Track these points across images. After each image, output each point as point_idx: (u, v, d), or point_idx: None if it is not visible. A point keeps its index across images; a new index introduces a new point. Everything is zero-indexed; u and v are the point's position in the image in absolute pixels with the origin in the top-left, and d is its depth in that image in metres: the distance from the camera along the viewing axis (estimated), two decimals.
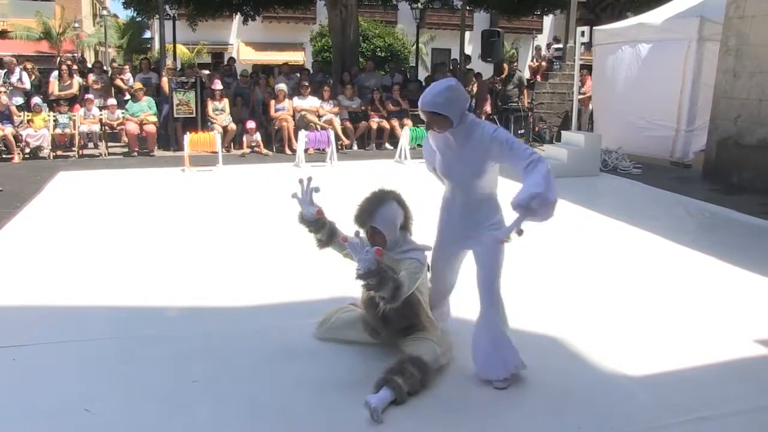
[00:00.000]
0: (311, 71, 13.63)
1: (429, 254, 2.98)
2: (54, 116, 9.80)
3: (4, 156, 9.42)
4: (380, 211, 2.84)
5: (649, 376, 2.96)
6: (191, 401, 2.72)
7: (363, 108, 11.37)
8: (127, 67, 12.63)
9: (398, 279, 2.63)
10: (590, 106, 12.08)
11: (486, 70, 14.22)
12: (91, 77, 11.21)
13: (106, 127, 10.31)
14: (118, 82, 11.65)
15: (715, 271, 4.53)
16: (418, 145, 10.12)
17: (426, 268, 2.96)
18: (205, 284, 4.14)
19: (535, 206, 2.51)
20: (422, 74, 17.74)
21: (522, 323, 3.50)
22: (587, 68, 11.96)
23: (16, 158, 9.28)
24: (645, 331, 3.44)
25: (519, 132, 11.81)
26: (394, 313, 2.81)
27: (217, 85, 10.60)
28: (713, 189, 7.50)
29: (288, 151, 10.35)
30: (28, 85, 10.59)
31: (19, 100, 10.12)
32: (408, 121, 10.85)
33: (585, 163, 8.44)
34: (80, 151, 9.88)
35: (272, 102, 10.74)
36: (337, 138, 10.25)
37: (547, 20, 28.43)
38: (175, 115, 10.36)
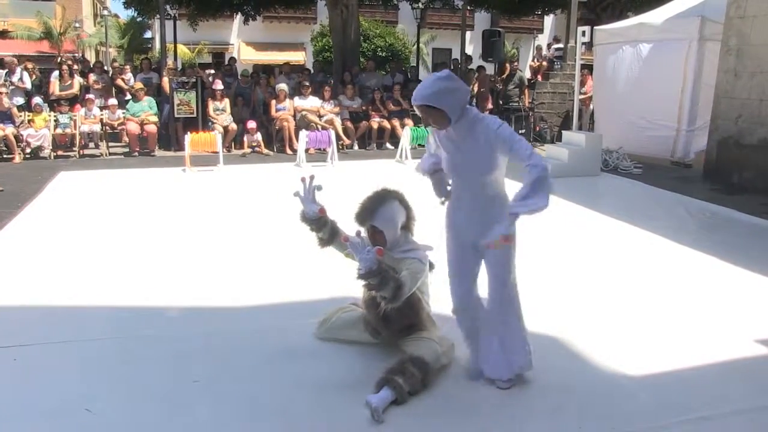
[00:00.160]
0: (312, 71, 13.63)
1: (430, 254, 2.98)
2: (55, 116, 9.80)
3: (4, 156, 9.43)
4: (381, 210, 2.84)
5: (649, 376, 2.96)
6: (191, 401, 2.73)
7: (364, 108, 11.38)
8: (128, 66, 12.63)
9: (399, 279, 2.63)
10: (591, 106, 12.08)
11: (486, 69, 14.19)
12: (92, 77, 11.22)
13: (107, 127, 10.32)
14: (119, 81, 11.65)
15: (716, 271, 4.53)
16: (419, 144, 10.13)
17: (427, 267, 2.96)
18: (205, 284, 4.14)
19: (525, 214, 2.53)
20: (423, 74, 17.73)
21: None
22: (588, 68, 11.95)
23: (17, 158, 9.29)
24: (645, 331, 3.44)
25: (520, 132, 11.80)
26: (395, 312, 2.81)
27: (218, 85, 10.61)
28: (714, 189, 7.49)
29: (289, 151, 10.35)
30: (28, 85, 10.60)
31: (20, 100, 10.13)
32: (409, 121, 10.85)
33: (586, 163, 8.44)
34: (81, 151, 9.88)
35: (273, 102, 10.74)
36: (338, 138, 10.25)
37: (548, 20, 28.43)
38: (176, 115, 10.36)
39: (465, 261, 2.80)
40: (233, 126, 10.48)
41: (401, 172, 8.55)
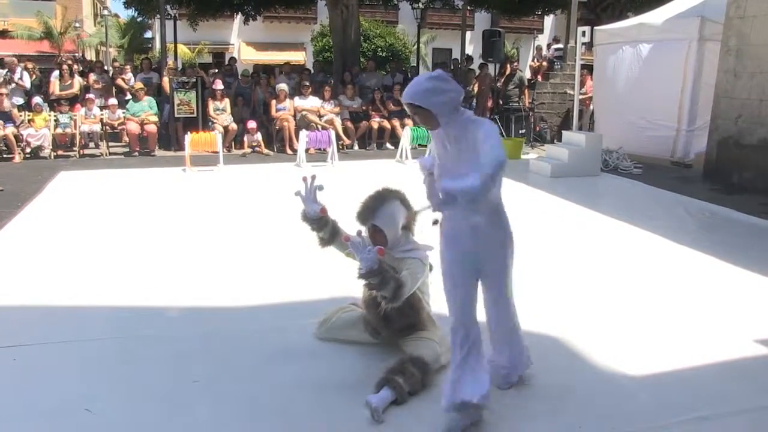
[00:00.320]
0: (312, 71, 13.63)
1: (430, 254, 2.98)
2: (55, 116, 9.80)
3: (4, 156, 9.43)
4: (382, 209, 2.84)
5: (649, 375, 2.96)
6: (191, 401, 2.73)
7: (364, 108, 11.38)
8: (128, 66, 12.63)
9: (400, 279, 2.63)
10: (591, 106, 12.08)
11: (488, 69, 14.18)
12: (92, 77, 11.22)
13: (107, 127, 10.32)
14: (120, 81, 11.65)
15: (716, 270, 4.53)
16: (419, 144, 10.14)
17: (428, 267, 2.96)
18: (205, 284, 4.14)
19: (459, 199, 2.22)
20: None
21: (523, 323, 3.50)
22: (588, 68, 11.95)
23: (17, 158, 9.29)
24: (645, 331, 3.44)
25: (520, 132, 11.80)
26: (396, 312, 2.82)
27: (218, 84, 10.61)
28: (714, 189, 7.50)
29: (289, 151, 10.35)
30: (27, 84, 10.60)
31: (20, 100, 10.13)
32: (409, 121, 10.81)
33: (586, 163, 8.44)
34: (81, 151, 9.89)
35: (273, 102, 10.74)
36: (338, 138, 10.26)
37: (548, 20, 28.41)
38: (176, 115, 10.37)
39: (464, 272, 2.58)
40: (233, 126, 10.48)
41: (401, 172, 8.55)
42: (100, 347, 3.26)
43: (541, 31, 30.11)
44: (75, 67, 11.84)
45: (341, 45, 13.40)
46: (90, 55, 28.42)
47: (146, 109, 10.15)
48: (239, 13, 17.40)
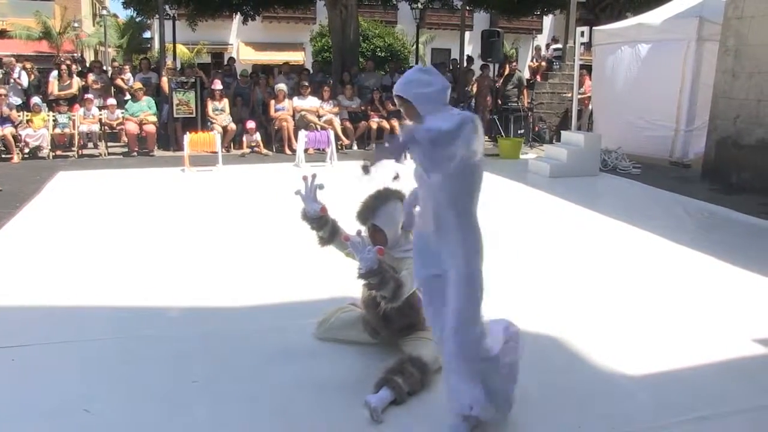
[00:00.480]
0: (311, 71, 13.63)
1: None
2: (53, 116, 9.79)
3: (3, 156, 9.42)
4: (382, 209, 2.85)
5: (649, 375, 2.97)
6: (191, 401, 2.73)
7: (363, 108, 11.38)
8: (127, 66, 12.62)
9: (399, 278, 2.64)
10: (589, 106, 12.09)
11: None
12: (91, 77, 11.21)
13: (106, 127, 10.31)
14: (119, 81, 11.64)
15: (714, 270, 4.54)
16: None
17: None
18: (205, 284, 4.14)
19: (422, 142, 2.13)
20: None
21: (522, 323, 3.50)
22: (586, 68, 11.96)
23: (16, 158, 9.28)
24: (644, 331, 3.45)
25: (519, 132, 11.81)
26: (395, 312, 2.82)
27: (217, 85, 10.60)
28: (712, 189, 7.51)
29: (288, 151, 10.35)
30: (25, 83, 10.59)
31: (18, 100, 10.12)
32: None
33: (585, 163, 8.45)
34: (80, 151, 9.88)
35: (272, 102, 10.74)
36: (337, 138, 10.26)
37: (547, 20, 28.43)
38: (175, 115, 10.36)
39: (434, 288, 2.42)
40: (232, 126, 10.47)
41: (401, 173, 8.55)
42: (100, 347, 3.25)
43: (540, 31, 30.13)
44: (74, 67, 11.82)
45: (340, 45, 13.40)
46: (89, 56, 28.38)
47: (145, 109, 10.14)
48: (238, 13, 17.41)
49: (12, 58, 11.31)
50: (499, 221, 5.83)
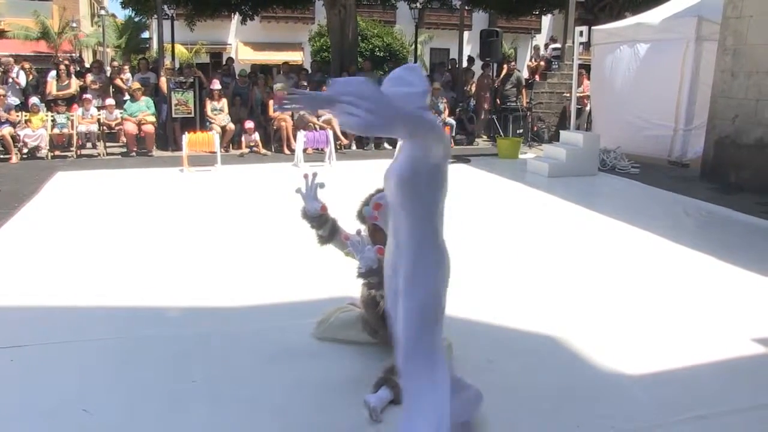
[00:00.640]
0: (310, 71, 13.62)
1: None
2: (52, 116, 9.78)
3: (1, 156, 9.40)
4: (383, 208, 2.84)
5: (649, 375, 2.97)
6: (191, 401, 2.72)
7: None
8: (127, 66, 12.60)
9: None
10: (588, 106, 12.09)
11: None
12: (89, 77, 11.19)
13: (104, 127, 10.30)
14: (118, 81, 11.64)
15: (713, 270, 4.54)
16: None
17: None
18: (204, 284, 4.14)
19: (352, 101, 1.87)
20: None
21: (522, 323, 3.51)
22: (585, 68, 11.97)
23: (14, 158, 9.27)
24: (644, 331, 3.45)
25: (518, 132, 11.81)
26: None
27: (216, 84, 10.60)
28: (711, 188, 7.51)
29: (287, 151, 10.34)
30: (23, 83, 10.58)
31: (17, 100, 10.10)
32: None
33: (583, 163, 8.45)
34: (78, 152, 9.86)
35: (271, 102, 10.73)
36: (336, 138, 10.24)
37: (546, 20, 28.43)
38: (174, 115, 10.35)
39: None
40: (231, 126, 10.46)
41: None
42: (99, 348, 3.25)
43: (538, 30, 30.12)
44: (72, 67, 11.81)
45: (339, 45, 13.39)
46: (87, 56, 28.35)
47: (143, 109, 10.13)
48: (237, 13, 17.37)
49: (10, 58, 11.30)
50: (497, 221, 5.84)
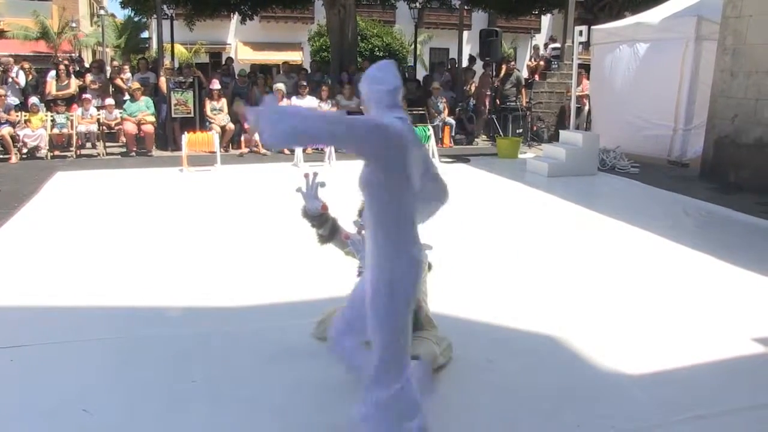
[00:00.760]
0: (309, 71, 13.62)
1: (429, 253, 2.97)
2: (51, 116, 9.78)
3: (1, 156, 9.40)
4: None
5: (649, 375, 2.97)
6: (190, 401, 2.72)
7: (361, 107, 11.34)
8: (127, 66, 12.60)
9: None
10: (587, 106, 12.09)
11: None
12: (89, 77, 11.19)
13: (104, 127, 10.30)
14: (118, 81, 11.63)
15: (713, 269, 4.55)
16: None
17: (427, 267, 2.95)
18: (204, 284, 4.13)
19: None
20: (420, 74, 17.74)
21: (522, 323, 3.51)
22: (585, 68, 11.97)
23: (14, 158, 9.26)
24: (644, 331, 3.45)
25: (517, 131, 11.81)
26: None
27: (215, 84, 10.60)
28: (710, 188, 7.52)
29: (286, 151, 10.31)
30: (22, 82, 10.57)
31: (16, 100, 10.09)
32: None
33: (583, 163, 8.45)
34: (78, 151, 9.86)
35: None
36: None
37: (545, 20, 28.43)
38: (173, 115, 10.35)
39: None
40: (231, 126, 10.47)
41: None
42: (98, 347, 3.25)
43: (538, 30, 30.11)
44: (72, 67, 11.80)
45: (338, 45, 13.40)
46: (87, 56, 28.33)
47: (143, 109, 10.13)
48: (236, 12, 17.37)
49: (10, 58, 11.29)
50: (497, 221, 5.84)
